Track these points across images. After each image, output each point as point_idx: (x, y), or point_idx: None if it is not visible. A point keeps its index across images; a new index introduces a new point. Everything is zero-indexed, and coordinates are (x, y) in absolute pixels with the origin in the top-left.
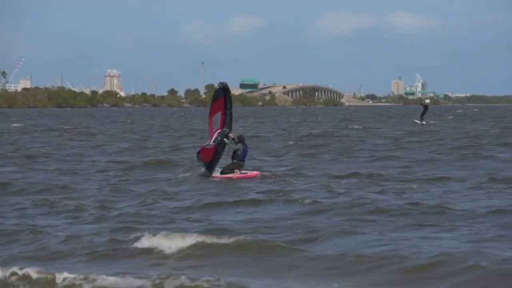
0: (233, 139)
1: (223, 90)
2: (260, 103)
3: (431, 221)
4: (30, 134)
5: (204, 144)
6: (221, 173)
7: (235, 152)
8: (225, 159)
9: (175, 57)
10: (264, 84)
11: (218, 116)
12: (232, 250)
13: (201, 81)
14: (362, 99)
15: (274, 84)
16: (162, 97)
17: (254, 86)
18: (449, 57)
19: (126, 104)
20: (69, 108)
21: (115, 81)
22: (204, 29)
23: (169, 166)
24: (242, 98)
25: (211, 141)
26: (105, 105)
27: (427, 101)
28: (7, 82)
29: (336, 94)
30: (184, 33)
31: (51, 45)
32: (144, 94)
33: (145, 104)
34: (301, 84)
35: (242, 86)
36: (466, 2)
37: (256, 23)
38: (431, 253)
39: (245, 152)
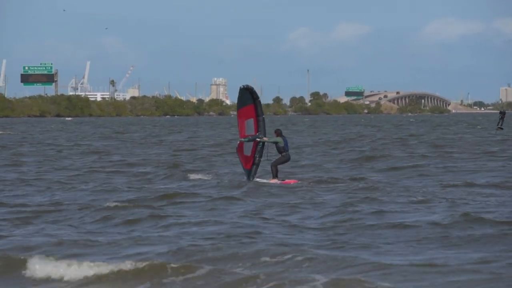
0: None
1: (251, 94)
2: (366, 111)
3: None
4: None
5: (240, 140)
6: (272, 165)
7: (277, 144)
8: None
9: (281, 65)
10: (372, 91)
11: (251, 122)
12: None
13: (307, 89)
14: (470, 106)
15: (380, 91)
16: (267, 105)
17: (359, 94)
18: None
19: (231, 112)
20: (175, 116)
21: (221, 89)
22: (309, 37)
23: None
24: (347, 106)
25: (243, 139)
26: (211, 113)
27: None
28: (116, 90)
29: (443, 102)
30: (289, 41)
31: (159, 54)
32: None
33: None
34: (406, 92)
35: (348, 93)
36: None
37: (361, 30)
38: None
39: (286, 142)
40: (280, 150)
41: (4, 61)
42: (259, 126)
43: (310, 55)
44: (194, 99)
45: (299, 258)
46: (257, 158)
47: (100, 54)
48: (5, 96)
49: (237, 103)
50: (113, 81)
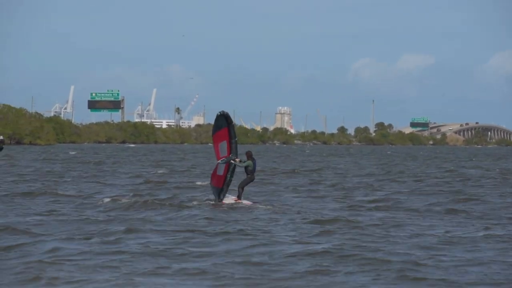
0: (240, 160)
1: (225, 119)
2: (431, 142)
3: None
4: None
5: (217, 162)
6: (239, 186)
7: (246, 168)
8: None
9: (345, 95)
10: (435, 123)
11: (224, 144)
12: None
13: (371, 119)
14: None
15: (445, 123)
16: (332, 135)
17: (424, 125)
18: None
19: (296, 141)
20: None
21: (286, 118)
22: (373, 67)
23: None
24: (412, 137)
25: (219, 161)
26: (275, 142)
27: None
28: (181, 118)
29: (510, 134)
30: (353, 71)
31: (225, 82)
32: (314, 132)
33: (314, 142)
34: (473, 123)
35: (413, 124)
36: None
37: (426, 61)
38: None
39: (255, 165)
40: (247, 172)
41: (72, 88)
42: (232, 148)
43: (374, 86)
44: (258, 128)
45: None
46: (229, 178)
47: (166, 81)
48: (73, 122)
49: (213, 128)
50: (178, 108)
